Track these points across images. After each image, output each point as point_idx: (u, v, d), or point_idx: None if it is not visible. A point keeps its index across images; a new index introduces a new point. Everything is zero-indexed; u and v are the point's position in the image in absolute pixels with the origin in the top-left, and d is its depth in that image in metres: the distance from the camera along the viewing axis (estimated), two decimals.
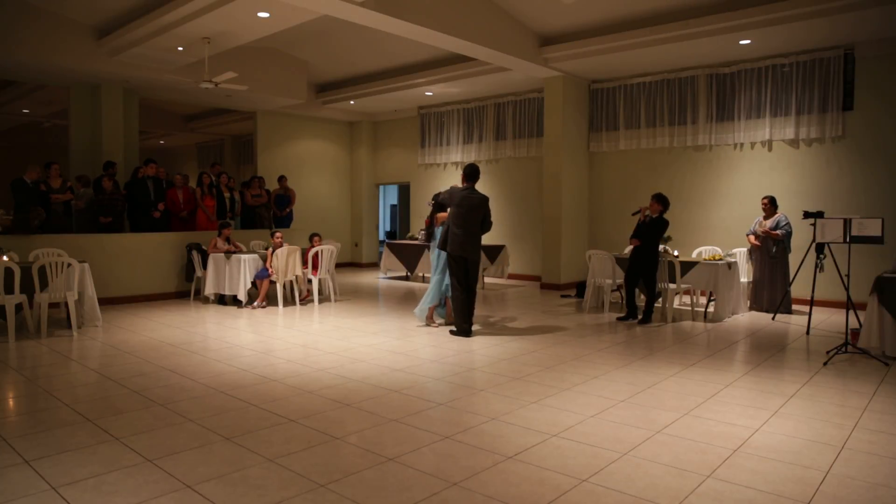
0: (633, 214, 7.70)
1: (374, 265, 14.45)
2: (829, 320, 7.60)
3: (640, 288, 7.71)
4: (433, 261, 7.08)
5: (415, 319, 7.39)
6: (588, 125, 10.90)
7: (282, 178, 11.84)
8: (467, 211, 6.42)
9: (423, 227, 7.20)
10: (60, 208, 8.82)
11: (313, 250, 8.81)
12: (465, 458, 3.35)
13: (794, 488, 2.99)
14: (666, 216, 7.46)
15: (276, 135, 13.40)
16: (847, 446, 3.54)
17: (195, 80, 9.05)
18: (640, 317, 7.53)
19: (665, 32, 8.22)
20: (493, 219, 6.13)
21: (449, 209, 6.57)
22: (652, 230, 7.35)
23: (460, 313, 6.53)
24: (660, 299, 8.06)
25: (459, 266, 6.47)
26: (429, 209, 7.62)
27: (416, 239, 11.34)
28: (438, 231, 7.03)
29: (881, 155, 8.19)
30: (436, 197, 6.89)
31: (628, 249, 7.90)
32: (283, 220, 11.59)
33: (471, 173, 6.60)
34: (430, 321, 7.15)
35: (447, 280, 6.85)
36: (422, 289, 10.33)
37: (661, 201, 7.42)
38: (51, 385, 4.79)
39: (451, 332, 6.65)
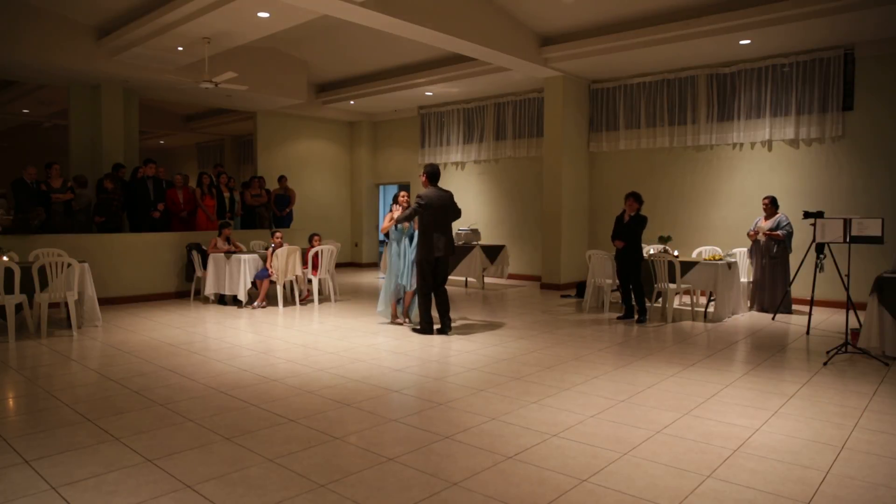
0: (617, 219, 7.68)
1: (374, 265, 14.45)
2: (829, 320, 7.60)
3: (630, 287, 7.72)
4: (393, 260, 7.01)
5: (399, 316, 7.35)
6: (588, 125, 10.90)
7: (282, 178, 11.84)
8: (445, 211, 6.53)
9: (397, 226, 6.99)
10: (60, 208, 8.82)
11: (313, 250, 8.81)
12: (465, 458, 3.35)
13: (794, 488, 3.00)
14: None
15: (276, 135, 13.39)
16: (847, 446, 3.54)
17: (195, 80, 9.05)
18: (636, 317, 7.54)
19: (665, 32, 8.22)
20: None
21: (422, 215, 6.48)
22: (633, 228, 7.40)
23: (426, 311, 6.60)
24: (659, 299, 8.07)
25: (432, 266, 6.52)
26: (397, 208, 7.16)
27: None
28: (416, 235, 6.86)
29: (881, 155, 8.19)
30: (419, 199, 6.55)
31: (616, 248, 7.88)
32: (283, 220, 11.59)
33: (435, 173, 6.67)
34: (395, 319, 7.24)
35: (401, 280, 6.93)
36: None
37: (638, 199, 7.50)
38: (51, 385, 4.79)
39: (415, 331, 6.73)
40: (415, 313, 7.10)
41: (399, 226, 6.89)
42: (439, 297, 6.65)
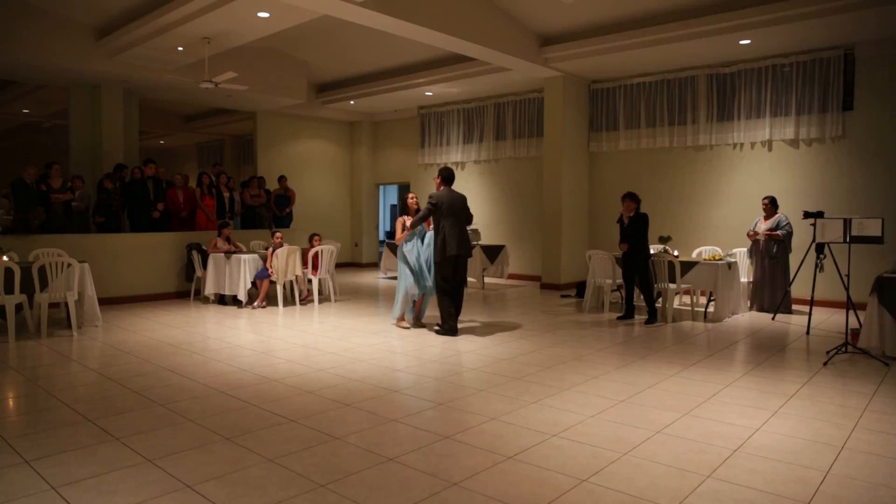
0: (618, 222, 7.70)
1: (374, 265, 14.45)
2: (829, 320, 7.60)
3: (638, 288, 7.71)
4: (409, 264, 6.90)
5: (406, 321, 7.26)
6: (588, 125, 10.90)
7: (282, 178, 11.83)
8: (458, 211, 6.61)
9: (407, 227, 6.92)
10: (60, 208, 8.82)
11: (313, 250, 8.81)
12: (465, 458, 3.35)
13: (794, 488, 3.00)
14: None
15: (276, 135, 13.40)
16: (847, 446, 3.54)
17: (195, 80, 9.04)
18: (645, 316, 7.51)
19: (665, 32, 8.22)
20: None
21: (435, 216, 6.56)
22: (635, 229, 7.38)
23: (448, 311, 6.61)
24: (660, 299, 8.07)
25: (450, 266, 6.57)
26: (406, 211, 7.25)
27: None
28: (429, 235, 6.92)
29: (881, 155, 8.19)
30: (431, 199, 6.63)
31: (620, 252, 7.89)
32: (283, 220, 11.58)
33: (450, 176, 6.77)
34: (401, 320, 7.15)
35: (409, 281, 6.86)
36: None
37: (634, 198, 7.49)
38: (51, 385, 4.79)
39: (437, 332, 6.73)
40: (425, 316, 7.25)
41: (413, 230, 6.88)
42: (454, 298, 6.67)
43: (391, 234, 17.67)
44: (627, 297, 7.69)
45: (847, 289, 6.11)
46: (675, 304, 8.38)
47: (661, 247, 8.04)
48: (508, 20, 8.79)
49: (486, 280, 11.11)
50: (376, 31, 8.03)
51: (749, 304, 8.36)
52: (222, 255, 8.55)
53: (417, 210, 6.98)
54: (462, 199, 6.72)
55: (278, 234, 8.63)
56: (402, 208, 7.03)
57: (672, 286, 7.61)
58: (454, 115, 12.82)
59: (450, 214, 6.52)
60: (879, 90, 8.16)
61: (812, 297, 7.06)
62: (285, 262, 8.43)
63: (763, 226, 8.11)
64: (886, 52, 8.06)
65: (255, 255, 8.57)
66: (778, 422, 3.95)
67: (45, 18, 8.56)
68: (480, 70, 10.25)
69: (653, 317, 7.41)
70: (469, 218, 6.81)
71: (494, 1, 8.45)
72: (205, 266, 8.81)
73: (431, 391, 4.65)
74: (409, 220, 6.94)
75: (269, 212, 11.45)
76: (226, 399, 4.41)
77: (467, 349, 6.01)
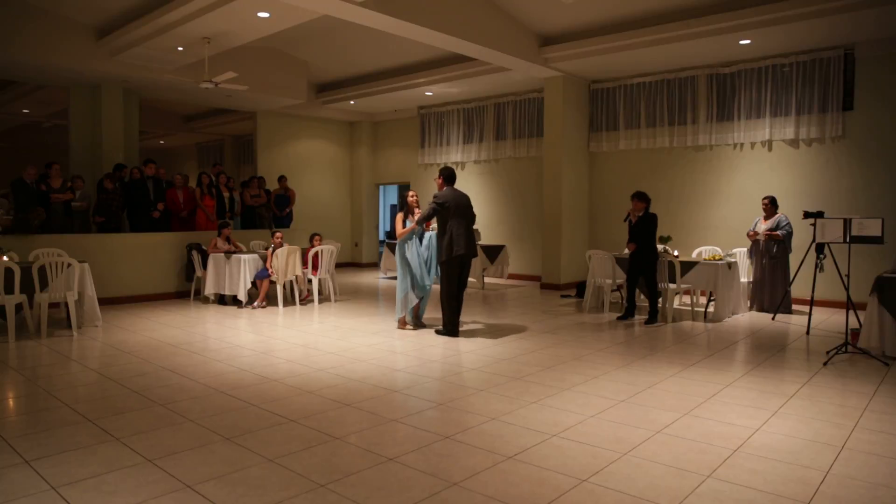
0: (625, 220, 7.68)
1: (374, 265, 14.45)
2: (829, 320, 7.60)
3: (641, 288, 7.71)
4: (409, 264, 6.80)
5: (409, 323, 7.17)
6: (588, 125, 10.90)
7: (282, 178, 11.83)
8: (464, 210, 6.57)
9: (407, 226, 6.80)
10: (60, 208, 8.82)
11: (313, 250, 8.81)
12: (465, 458, 3.35)
13: (794, 488, 3.00)
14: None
15: (276, 135, 13.40)
16: (847, 446, 3.54)
17: (195, 80, 9.04)
18: (645, 316, 7.51)
19: (665, 32, 8.22)
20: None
21: (440, 215, 6.50)
22: (643, 228, 7.37)
23: (452, 313, 6.56)
24: (660, 299, 8.07)
25: (457, 265, 6.53)
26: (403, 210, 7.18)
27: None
28: (427, 236, 6.90)
29: (881, 155, 8.19)
30: (436, 199, 6.59)
31: (626, 252, 7.89)
32: (283, 220, 11.59)
33: (452, 176, 6.73)
34: (403, 324, 7.01)
35: (409, 283, 6.77)
36: None
37: (642, 198, 7.44)
38: (51, 385, 4.79)
39: (437, 332, 6.69)
40: (425, 317, 7.21)
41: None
42: (457, 299, 6.60)
43: (391, 234, 17.68)
44: (629, 296, 7.69)
45: (847, 289, 6.11)
46: (675, 304, 8.38)
47: (661, 247, 8.03)
48: (508, 20, 8.79)
49: (486, 280, 11.11)
50: (376, 31, 8.03)
51: (749, 304, 8.36)
52: (222, 255, 8.55)
53: (417, 208, 6.96)
54: (467, 199, 6.67)
55: (278, 234, 8.63)
56: (401, 206, 6.97)
57: (672, 286, 7.61)
58: (454, 115, 12.82)
59: (456, 214, 6.48)
60: (879, 90, 8.16)
61: (812, 297, 7.06)
62: (285, 262, 8.43)
63: (763, 226, 8.12)
64: (886, 52, 8.06)
65: (255, 255, 8.58)
66: (778, 422, 3.95)
67: (45, 18, 8.56)
68: (480, 70, 10.25)
69: (653, 317, 7.41)
70: (473, 217, 6.78)
71: (494, 1, 8.45)
72: (205, 266, 8.81)
73: (431, 391, 4.65)
74: (415, 213, 6.85)
75: (269, 212, 11.45)
76: (226, 399, 4.41)
77: (467, 349, 6.01)
